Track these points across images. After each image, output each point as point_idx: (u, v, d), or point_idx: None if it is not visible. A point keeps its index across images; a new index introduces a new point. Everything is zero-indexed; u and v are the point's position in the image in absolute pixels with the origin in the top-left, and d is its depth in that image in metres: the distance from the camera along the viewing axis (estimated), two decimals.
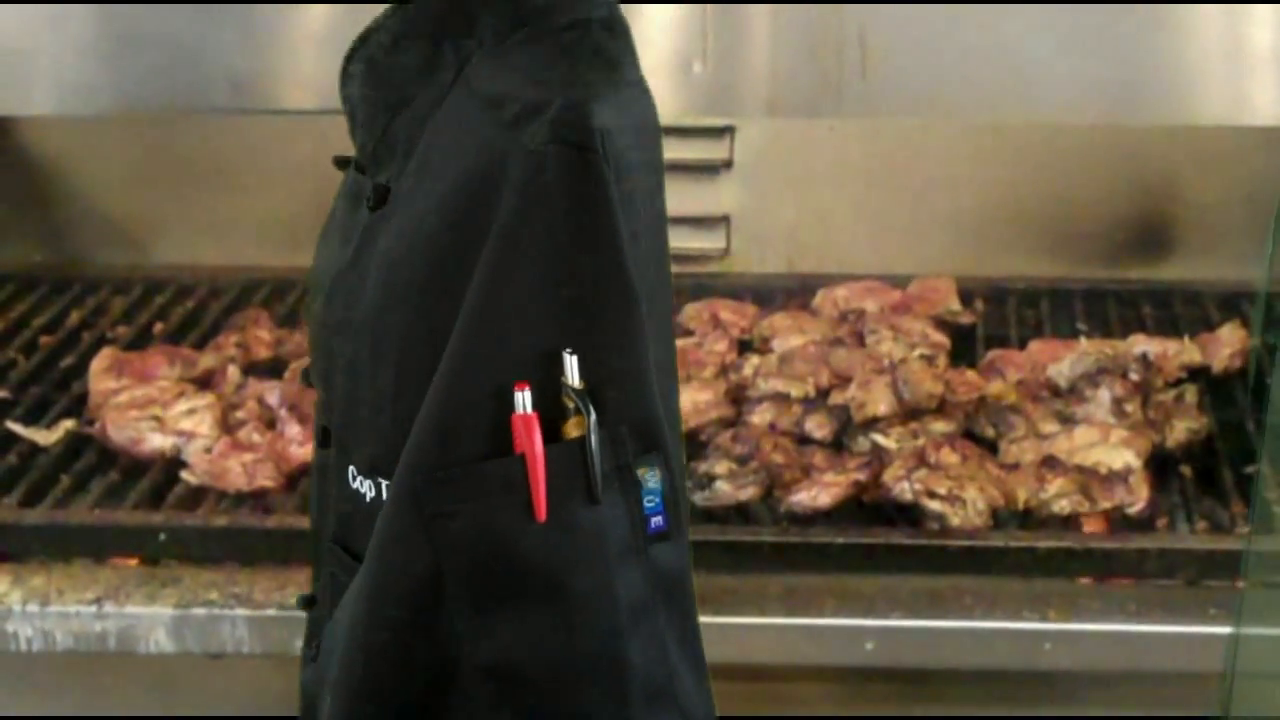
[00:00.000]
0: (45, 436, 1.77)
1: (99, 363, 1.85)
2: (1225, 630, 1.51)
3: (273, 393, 1.78)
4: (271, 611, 1.52)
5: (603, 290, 0.99)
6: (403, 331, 1.03)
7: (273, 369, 1.87)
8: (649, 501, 1.03)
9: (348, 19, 1.51)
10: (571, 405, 0.99)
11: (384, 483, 1.04)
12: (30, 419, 1.80)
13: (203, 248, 2.15)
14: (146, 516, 1.63)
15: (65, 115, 1.92)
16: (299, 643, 1.51)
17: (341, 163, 1.13)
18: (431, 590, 1.01)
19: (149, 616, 1.53)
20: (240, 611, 1.52)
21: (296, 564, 1.56)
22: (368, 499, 1.06)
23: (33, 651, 1.53)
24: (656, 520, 1.03)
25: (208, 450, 1.70)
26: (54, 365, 1.93)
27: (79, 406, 1.82)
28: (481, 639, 1.01)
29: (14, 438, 1.76)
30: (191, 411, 1.75)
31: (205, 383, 1.84)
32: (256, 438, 1.71)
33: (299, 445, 1.68)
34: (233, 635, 1.52)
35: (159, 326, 2.03)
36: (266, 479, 1.66)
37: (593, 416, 0.99)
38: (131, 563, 1.60)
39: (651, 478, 1.02)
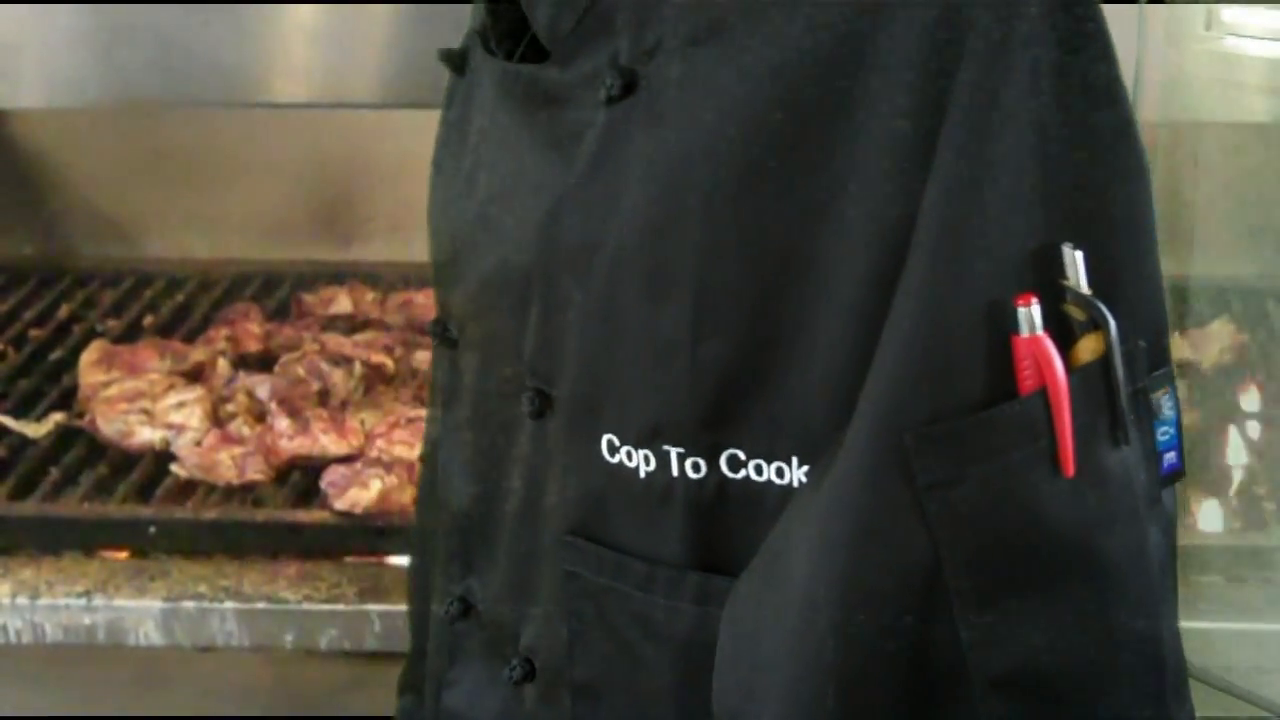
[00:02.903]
0: (35, 429, 1.77)
1: (89, 356, 1.85)
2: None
3: (263, 386, 1.77)
4: (261, 605, 1.52)
5: (1110, 160, 0.76)
6: (700, 253, 0.78)
7: (263, 362, 1.87)
8: (1162, 434, 0.81)
9: (339, 12, 1.51)
10: (1081, 317, 0.76)
11: (674, 451, 0.81)
12: (20, 412, 1.80)
13: (193, 241, 2.15)
14: (136, 509, 1.63)
15: (55, 108, 1.92)
16: (289, 636, 1.52)
17: (454, 58, 0.92)
18: (926, 586, 0.76)
19: (138, 609, 1.53)
20: (229, 605, 1.52)
21: (285, 558, 1.56)
22: (642, 474, 0.83)
23: (22, 644, 1.53)
24: (1170, 457, 0.81)
25: (197, 443, 1.70)
26: (43, 358, 1.93)
27: (69, 399, 1.82)
28: (994, 643, 0.77)
29: (4, 430, 1.76)
30: (181, 404, 1.75)
31: (195, 376, 1.83)
32: (246, 431, 1.71)
33: (289, 439, 1.68)
34: (222, 628, 1.52)
35: (149, 320, 2.02)
36: (256, 472, 1.66)
37: (1114, 329, 0.76)
38: (121, 556, 1.60)
39: (1167, 403, 0.82)
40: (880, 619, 0.77)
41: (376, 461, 1.64)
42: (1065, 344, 0.76)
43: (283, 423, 1.71)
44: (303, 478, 1.66)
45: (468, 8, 1.15)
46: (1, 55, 1.56)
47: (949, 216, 0.74)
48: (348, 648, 1.51)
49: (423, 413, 1.71)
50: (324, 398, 1.77)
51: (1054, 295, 0.75)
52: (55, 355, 1.93)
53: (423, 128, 2.00)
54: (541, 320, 0.85)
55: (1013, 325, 0.74)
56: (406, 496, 1.60)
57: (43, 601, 1.53)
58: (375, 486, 1.59)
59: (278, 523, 1.59)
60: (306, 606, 1.51)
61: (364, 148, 2.07)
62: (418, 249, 2.12)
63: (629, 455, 0.83)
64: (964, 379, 0.75)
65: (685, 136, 0.78)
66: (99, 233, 2.16)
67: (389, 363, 1.84)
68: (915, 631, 0.77)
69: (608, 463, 0.84)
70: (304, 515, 1.61)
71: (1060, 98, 0.75)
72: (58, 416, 1.79)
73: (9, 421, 1.77)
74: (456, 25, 1.47)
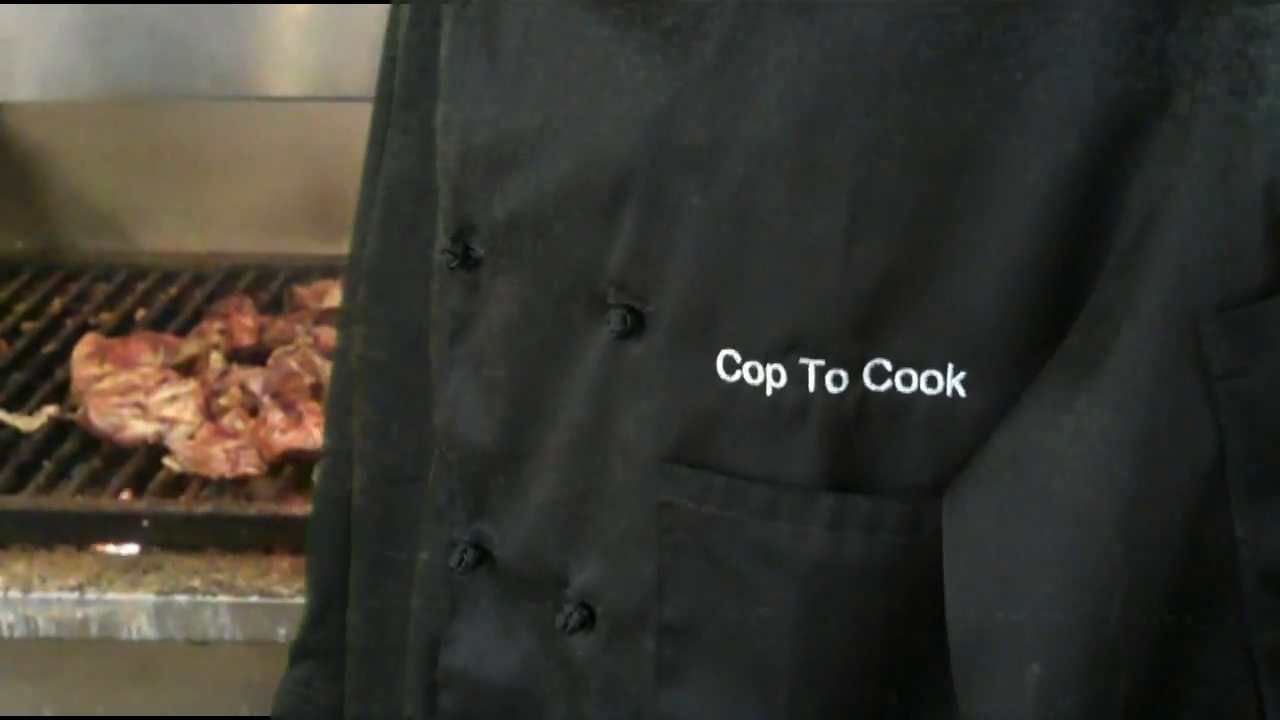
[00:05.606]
0: (28, 423, 1.77)
1: (81, 349, 1.85)
2: None
3: (256, 380, 1.77)
4: (254, 599, 1.52)
5: None
6: (862, 149, 0.71)
7: (256, 356, 1.87)
8: None
9: (333, 5, 1.51)
10: None
11: (812, 364, 0.75)
12: (12, 405, 1.80)
13: (186, 234, 2.15)
14: (129, 503, 1.63)
15: (48, 101, 1.92)
16: (282, 630, 1.52)
17: None
18: (1211, 480, 0.73)
19: (131, 603, 1.53)
20: (223, 599, 1.52)
21: (279, 551, 1.56)
22: (769, 391, 0.76)
23: (15, 638, 1.53)
24: None
25: (190, 437, 1.70)
26: (36, 352, 1.93)
27: (61, 393, 1.82)
28: (1265, 535, 0.74)
29: None
30: (174, 398, 1.75)
31: (188, 369, 1.83)
32: (239, 425, 1.71)
33: (282, 432, 1.68)
34: (215, 622, 1.52)
35: (142, 313, 2.02)
36: (249, 466, 1.66)
37: None
38: (114, 549, 1.60)
39: None
40: (1168, 517, 0.74)
41: None
42: None
43: (276, 416, 1.71)
44: (296, 471, 1.66)
45: None
46: None
47: (1227, 100, 0.70)
48: None
49: None
50: (317, 391, 1.76)
51: None
52: (48, 349, 1.93)
53: None
54: (640, 229, 0.77)
55: None
56: None
57: (35, 595, 1.53)
58: None
59: (271, 516, 1.59)
60: (300, 600, 1.50)
61: (358, 141, 2.06)
62: None
63: (753, 372, 0.76)
64: (1245, 263, 0.71)
65: (846, 22, 0.70)
66: (92, 226, 2.16)
67: None
68: (1195, 528, 0.74)
69: (723, 381, 0.77)
70: (297, 509, 1.60)
71: None
72: (50, 410, 1.79)
73: (1, 415, 1.77)
74: None
